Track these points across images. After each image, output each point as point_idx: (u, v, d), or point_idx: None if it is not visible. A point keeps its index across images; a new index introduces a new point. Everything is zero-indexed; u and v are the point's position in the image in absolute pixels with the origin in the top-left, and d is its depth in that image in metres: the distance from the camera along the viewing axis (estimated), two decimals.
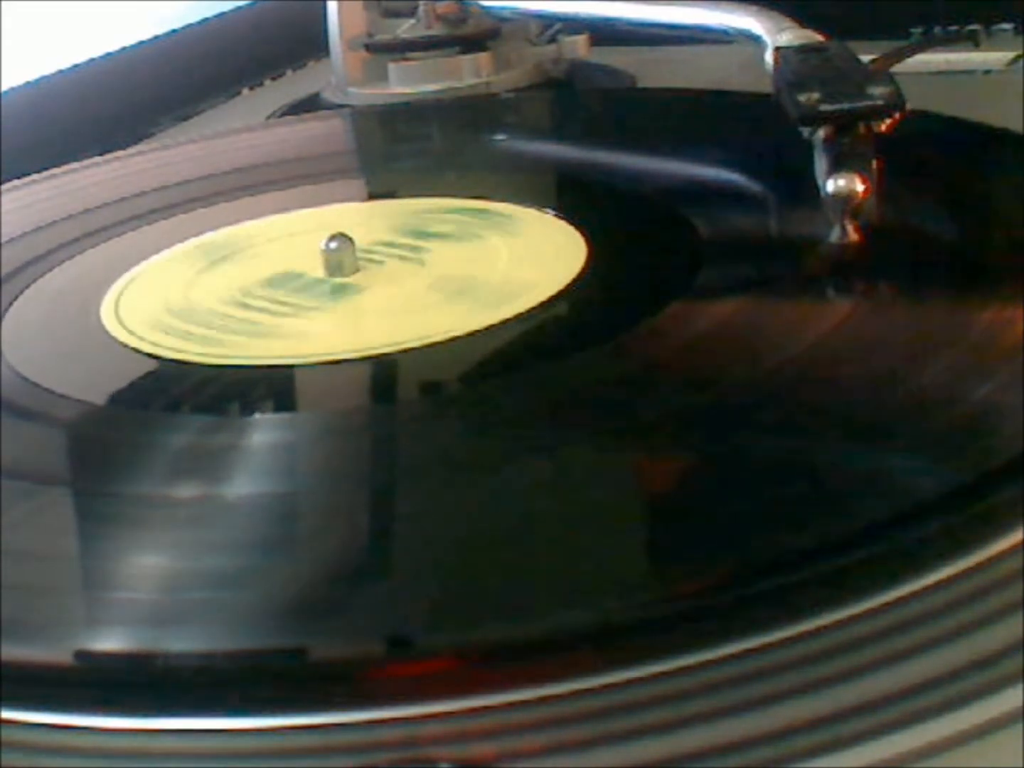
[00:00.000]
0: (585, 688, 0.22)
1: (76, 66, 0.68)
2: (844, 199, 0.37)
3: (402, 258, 0.41)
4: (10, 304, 0.41)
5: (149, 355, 0.37)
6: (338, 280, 0.40)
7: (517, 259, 0.40)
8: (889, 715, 0.21)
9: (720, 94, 0.55)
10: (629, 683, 0.22)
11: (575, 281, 0.38)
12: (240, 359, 0.36)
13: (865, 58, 0.45)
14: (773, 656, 0.22)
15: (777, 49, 0.44)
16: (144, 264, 0.43)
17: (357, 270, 0.40)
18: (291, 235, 0.45)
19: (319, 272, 0.41)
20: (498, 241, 0.42)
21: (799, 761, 0.20)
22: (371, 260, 0.41)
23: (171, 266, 0.44)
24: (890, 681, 0.21)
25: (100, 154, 0.59)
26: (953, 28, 0.61)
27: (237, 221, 0.47)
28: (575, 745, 0.21)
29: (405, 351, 0.35)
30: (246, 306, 0.39)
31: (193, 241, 0.46)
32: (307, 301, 0.39)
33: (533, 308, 0.36)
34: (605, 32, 0.62)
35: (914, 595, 0.23)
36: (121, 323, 0.39)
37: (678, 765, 0.21)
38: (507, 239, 0.42)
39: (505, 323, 0.36)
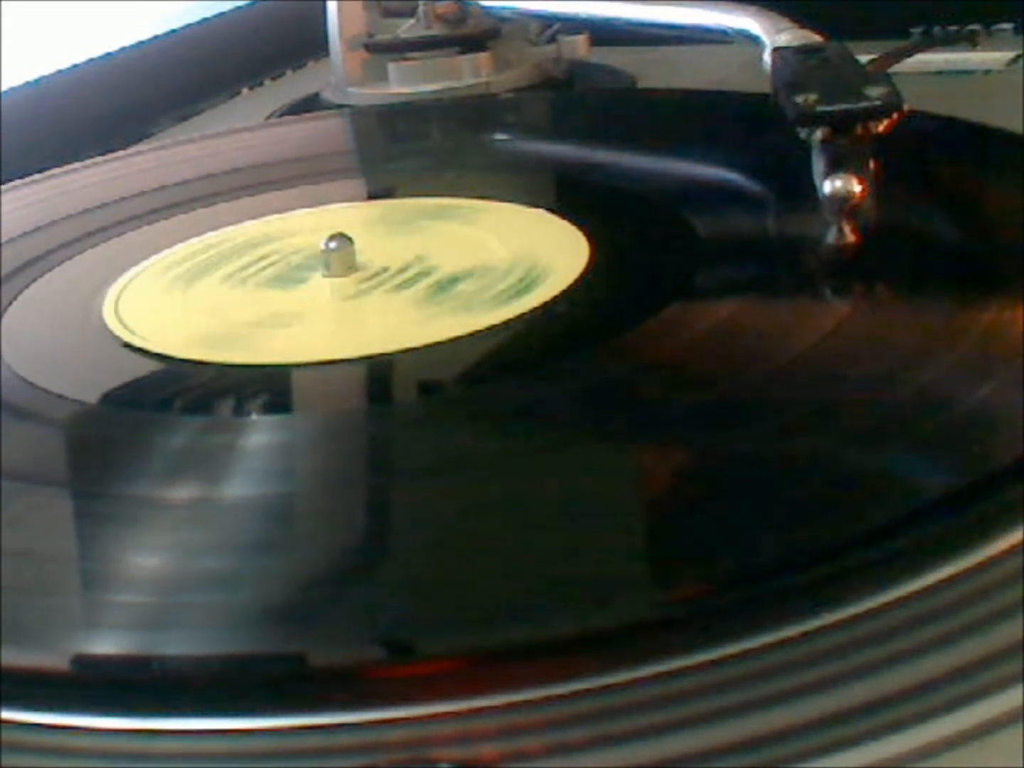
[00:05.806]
0: (586, 689, 0.22)
1: (76, 66, 0.68)
2: (841, 200, 0.37)
3: (403, 276, 0.41)
4: (10, 304, 0.41)
5: (149, 355, 0.36)
6: (327, 278, 0.40)
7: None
8: (889, 715, 0.21)
9: (720, 94, 0.55)
10: (629, 684, 0.22)
11: (576, 281, 0.38)
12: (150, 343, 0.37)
13: (864, 58, 0.45)
14: (773, 657, 0.22)
15: (775, 50, 0.44)
16: (144, 264, 0.43)
17: (353, 270, 0.40)
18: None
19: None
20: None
21: (800, 761, 0.20)
22: (386, 270, 0.41)
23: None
24: (890, 681, 0.22)
25: (100, 154, 0.59)
26: (953, 28, 0.61)
27: (237, 221, 0.47)
28: (575, 746, 0.21)
29: (405, 351, 0.35)
30: (230, 277, 0.42)
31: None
32: (266, 281, 0.41)
33: (535, 308, 0.36)
34: (605, 32, 0.62)
35: (914, 595, 0.23)
36: (121, 323, 0.39)
37: (679, 765, 0.21)
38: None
39: (506, 323, 0.36)
